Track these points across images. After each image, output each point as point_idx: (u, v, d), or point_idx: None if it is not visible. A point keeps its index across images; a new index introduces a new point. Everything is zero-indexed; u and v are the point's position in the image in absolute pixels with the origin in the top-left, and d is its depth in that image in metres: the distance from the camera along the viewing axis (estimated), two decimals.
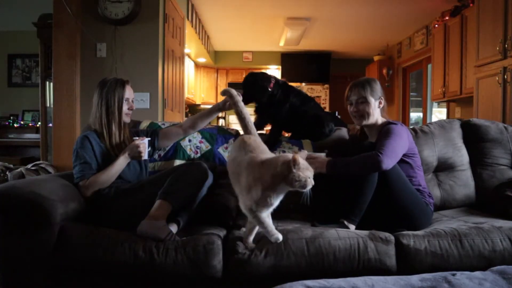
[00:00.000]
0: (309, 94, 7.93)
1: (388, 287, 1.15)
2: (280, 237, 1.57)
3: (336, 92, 7.93)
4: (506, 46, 3.19)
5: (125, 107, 2.02)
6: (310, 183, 1.43)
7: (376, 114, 2.03)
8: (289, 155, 1.43)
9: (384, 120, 2.06)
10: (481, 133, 2.32)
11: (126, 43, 3.46)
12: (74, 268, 1.63)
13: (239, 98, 1.90)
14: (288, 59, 7.97)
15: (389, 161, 1.75)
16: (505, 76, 3.19)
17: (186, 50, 5.66)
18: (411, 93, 7.00)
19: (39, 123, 4.82)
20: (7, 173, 3.11)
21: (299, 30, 6.14)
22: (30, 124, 5.69)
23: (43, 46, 4.18)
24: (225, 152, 2.28)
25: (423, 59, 6.16)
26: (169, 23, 3.76)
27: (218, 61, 8.13)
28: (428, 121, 5.75)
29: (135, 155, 1.92)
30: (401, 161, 1.89)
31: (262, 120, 2.34)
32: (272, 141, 2.22)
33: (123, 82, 2.03)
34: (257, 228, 1.63)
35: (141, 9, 3.42)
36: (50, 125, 3.90)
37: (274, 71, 8.19)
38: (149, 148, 2.04)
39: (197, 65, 7.73)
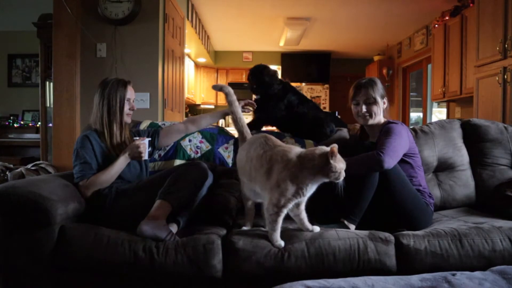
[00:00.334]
0: (309, 94, 8.01)
1: (388, 287, 1.15)
2: (283, 244, 1.60)
3: (336, 92, 7.94)
4: (506, 46, 3.19)
5: (126, 107, 2.02)
6: (343, 175, 1.50)
7: (381, 114, 2.03)
8: (326, 148, 1.50)
9: (385, 119, 2.06)
10: (481, 133, 2.32)
11: (126, 43, 3.46)
12: (74, 268, 1.64)
13: (235, 98, 1.89)
14: (288, 59, 7.98)
15: (390, 161, 1.75)
16: (505, 76, 3.19)
17: (186, 50, 5.67)
18: (411, 93, 7.00)
19: (39, 123, 4.82)
20: (7, 173, 3.11)
21: (299, 30, 6.14)
22: (30, 124, 5.69)
23: (43, 46, 4.19)
24: (225, 152, 2.28)
25: (423, 59, 6.16)
26: (169, 23, 3.76)
27: (218, 61, 8.13)
28: (428, 121, 5.75)
29: (135, 155, 1.92)
30: (402, 161, 1.89)
31: (260, 120, 2.34)
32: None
33: (125, 82, 2.03)
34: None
35: (141, 9, 3.42)
36: (50, 125, 3.91)
37: None
38: (150, 148, 2.04)
39: (197, 65, 7.73)
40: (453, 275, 1.24)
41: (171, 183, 1.76)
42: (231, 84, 8.44)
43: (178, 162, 2.20)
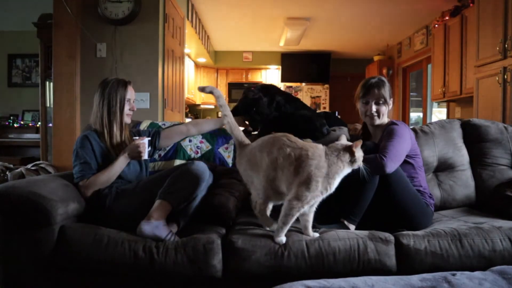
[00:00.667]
0: (309, 94, 8.00)
1: (388, 287, 1.15)
2: (284, 240, 1.62)
3: (336, 92, 7.94)
4: (506, 46, 3.19)
5: (126, 108, 2.02)
6: (360, 160, 1.60)
7: (387, 114, 2.03)
8: (346, 142, 1.61)
9: (388, 120, 2.06)
10: (481, 133, 2.32)
11: (126, 43, 3.46)
12: (74, 268, 1.64)
13: (223, 101, 1.85)
14: (288, 59, 7.98)
15: (392, 165, 1.76)
16: (505, 76, 3.19)
17: (186, 50, 5.67)
18: (411, 93, 7.00)
19: (39, 123, 4.82)
20: (7, 173, 3.11)
21: (299, 30, 6.14)
22: (30, 124, 5.69)
23: (43, 46, 4.19)
24: (225, 152, 2.28)
25: (423, 59, 6.16)
26: (169, 23, 3.76)
27: (218, 61, 8.13)
28: (428, 121, 5.74)
29: (135, 155, 1.92)
30: (403, 162, 1.89)
31: (256, 122, 2.33)
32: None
33: (125, 82, 2.03)
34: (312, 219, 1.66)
35: (141, 9, 3.42)
36: (50, 125, 3.90)
37: (274, 71, 8.20)
38: (149, 148, 2.05)
39: (197, 65, 7.73)
40: (453, 275, 1.24)
41: (171, 183, 1.76)
42: (231, 84, 8.50)
43: (178, 162, 2.20)
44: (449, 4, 4.75)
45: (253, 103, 2.24)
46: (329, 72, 8.01)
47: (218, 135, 2.33)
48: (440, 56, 4.91)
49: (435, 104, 5.99)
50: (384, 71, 7.15)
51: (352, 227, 1.79)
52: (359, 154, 1.59)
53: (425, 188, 1.98)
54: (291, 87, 8.03)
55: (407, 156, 1.92)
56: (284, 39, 6.70)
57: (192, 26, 5.08)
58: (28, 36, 5.12)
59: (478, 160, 2.31)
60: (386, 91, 1.98)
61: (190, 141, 2.27)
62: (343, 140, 1.63)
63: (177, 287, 1.64)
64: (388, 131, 1.92)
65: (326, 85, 8.06)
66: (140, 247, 1.61)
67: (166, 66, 3.71)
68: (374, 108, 1.98)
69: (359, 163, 1.59)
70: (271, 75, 8.19)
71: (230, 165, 2.26)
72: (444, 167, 2.28)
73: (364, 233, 1.68)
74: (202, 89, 1.84)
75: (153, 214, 1.70)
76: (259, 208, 1.72)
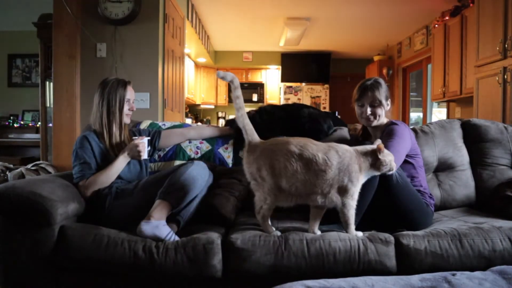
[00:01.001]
0: (309, 94, 7.99)
1: (388, 287, 1.15)
2: (360, 234, 1.67)
3: (336, 92, 7.94)
4: (506, 46, 3.19)
5: (126, 108, 2.02)
6: (394, 165, 1.64)
7: (384, 115, 2.03)
8: (372, 146, 1.66)
9: (387, 120, 2.06)
10: (481, 133, 2.32)
11: (126, 43, 3.46)
12: (74, 268, 1.64)
13: (240, 93, 1.73)
14: (288, 59, 7.97)
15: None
16: (505, 76, 3.19)
17: (186, 50, 5.67)
18: (411, 93, 7.00)
19: (39, 123, 4.82)
20: (7, 173, 3.11)
21: (299, 30, 6.13)
22: (30, 124, 5.69)
23: (43, 46, 4.18)
24: (225, 152, 2.28)
25: (423, 59, 6.16)
26: (169, 23, 3.76)
27: (218, 61, 8.13)
28: (428, 121, 5.75)
29: (135, 154, 1.92)
30: (404, 161, 1.89)
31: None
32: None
33: (125, 82, 2.03)
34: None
35: (141, 9, 3.42)
36: (50, 125, 3.90)
37: (274, 71, 8.20)
38: (149, 147, 2.05)
39: (197, 65, 7.73)
40: (453, 275, 1.24)
41: (171, 183, 1.76)
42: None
43: (178, 162, 2.20)
44: (449, 4, 4.75)
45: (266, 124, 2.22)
46: (329, 72, 8.01)
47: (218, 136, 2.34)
48: (440, 56, 4.91)
49: (435, 104, 5.99)
50: (384, 71, 7.15)
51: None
52: (388, 159, 1.62)
53: (425, 188, 1.98)
54: (291, 87, 8.03)
55: (407, 155, 1.92)
56: (284, 39, 6.70)
57: (192, 26, 5.08)
58: (28, 36, 5.12)
59: (478, 160, 2.31)
60: (381, 93, 1.97)
61: (190, 141, 2.28)
62: (371, 145, 1.68)
63: (177, 287, 1.64)
64: (388, 131, 1.92)
65: (326, 85, 8.06)
66: (140, 247, 1.61)
67: (166, 66, 3.71)
68: (369, 110, 1.98)
69: (389, 167, 1.63)
70: (271, 75, 8.19)
71: (230, 165, 2.26)
72: (444, 167, 2.28)
73: (364, 234, 1.68)
74: (222, 77, 1.72)
75: (153, 214, 1.70)
76: (263, 214, 1.67)
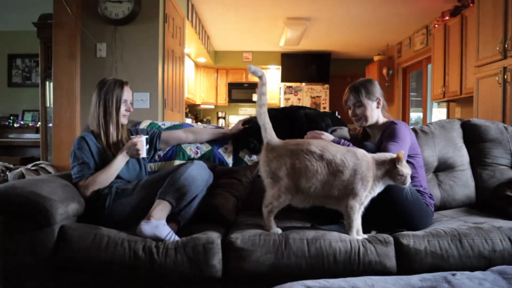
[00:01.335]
0: (309, 94, 7.99)
1: (388, 287, 1.15)
2: (356, 236, 1.65)
3: (336, 92, 7.92)
4: (506, 46, 3.19)
5: (122, 109, 2.02)
6: (409, 180, 1.63)
7: (376, 115, 2.03)
8: (391, 154, 1.66)
9: (385, 120, 2.06)
10: (481, 133, 2.32)
11: (126, 43, 3.46)
12: (74, 268, 1.64)
13: (265, 90, 1.78)
14: (288, 59, 7.97)
15: None
16: (505, 76, 3.19)
17: (186, 50, 5.67)
18: (411, 93, 7.00)
19: (39, 123, 4.82)
20: (7, 173, 3.11)
21: (299, 30, 6.14)
22: (30, 124, 5.69)
23: (43, 46, 4.19)
24: (225, 152, 2.28)
25: (423, 59, 6.16)
26: (169, 23, 3.76)
27: (218, 61, 8.13)
28: (428, 121, 5.75)
29: (133, 153, 1.92)
30: None
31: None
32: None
33: (122, 83, 2.02)
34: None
35: (141, 9, 3.42)
36: (50, 125, 3.91)
37: (274, 71, 8.20)
38: (147, 146, 2.04)
39: (197, 65, 7.73)
40: (453, 275, 1.24)
41: (171, 182, 1.76)
42: (231, 84, 8.48)
43: (178, 162, 2.20)
44: (449, 4, 4.75)
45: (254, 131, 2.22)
46: (329, 72, 8.01)
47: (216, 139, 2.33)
48: (440, 56, 4.91)
49: (435, 104, 5.99)
50: (384, 71, 7.16)
51: None
52: (405, 171, 1.61)
53: (425, 188, 1.98)
54: (291, 87, 8.03)
55: (408, 156, 1.92)
56: (284, 39, 6.70)
57: (192, 26, 5.08)
58: (28, 36, 5.12)
59: (478, 160, 2.31)
60: (362, 93, 2.00)
61: None
62: (391, 153, 1.69)
63: (177, 287, 1.64)
64: (388, 132, 1.92)
65: (326, 85, 8.06)
66: (140, 247, 1.61)
67: (166, 66, 3.71)
68: (352, 112, 2.05)
69: (404, 180, 1.61)
70: (271, 75, 8.19)
71: (230, 165, 2.26)
72: (444, 167, 2.28)
73: (364, 235, 1.68)
74: (253, 72, 1.71)
75: (153, 214, 1.70)
76: (271, 209, 1.67)
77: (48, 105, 4.30)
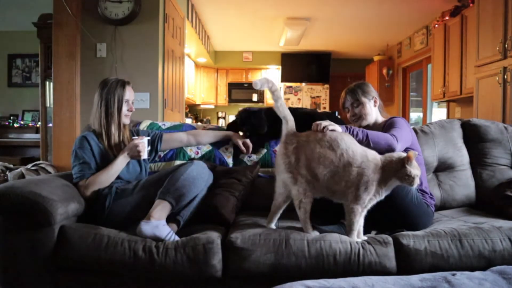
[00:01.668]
0: (309, 94, 8.00)
1: (388, 287, 1.15)
2: (356, 239, 1.64)
3: (336, 92, 7.92)
4: (506, 46, 3.19)
5: (124, 109, 2.01)
6: (417, 182, 1.59)
7: (374, 113, 2.09)
8: (403, 153, 1.62)
9: (384, 119, 2.10)
10: (481, 133, 2.32)
11: (126, 43, 3.46)
12: (74, 268, 1.64)
13: (276, 87, 1.77)
14: (288, 59, 7.97)
15: (400, 146, 1.82)
16: (505, 76, 3.19)
17: (186, 50, 5.67)
18: (411, 93, 6.99)
19: (39, 123, 4.82)
20: (7, 173, 3.11)
21: (299, 30, 6.13)
22: (30, 124, 5.69)
23: (43, 46, 4.19)
24: (225, 152, 2.28)
25: (423, 59, 6.16)
26: (169, 23, 3.76)
27: (218, 61, 8.13)
28: (428, 121, 5.75)
29: (134, 154, 1.92)
30: None
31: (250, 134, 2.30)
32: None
33: (124, 83, 2.02)
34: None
35: (141, 9, 3.42)
36: (50, 125, 3.91)
37: (274, 71, 8.20)
38: (149, 147, 2.04)
39: (197, 65, 7.73)
40: (453, 275, 1.24)
41: (171, 182, 1.76)
42: (231, 84, 8.47)
43: (178, 163, 2.20)
44: (449, 4, 4.75)
45: (251, 114, 2.22)
46: (329, 72, 8.01)
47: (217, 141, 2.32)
48: (440, 56, 4.91)
49: (435, 104, 5.99)
50: (384, 71, 7.15)
51: None
52: (414, 171, 1.56)
53: (426, 187, 1.98)
54: (291, 87, 8.03)
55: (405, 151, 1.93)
56: (284, 39, 6.70)
57: (192, 26, 5.08)
58: (28, 36, 5.12)
59: (478, 160, 2.31)
60: (358, 93, 2.07)
61: None
62: (402, 153, 1.65)
63: (177, 287, 1.64)
64: (389, 123, 1.98)
65: (326, 85, 8.06)
66: (140, 247, 1.61)
67: (166, 66, 3.71)
68: (351, 112, 2.09)
69: (412, 180, 1.57)
70: (271, 75, 8.19)
71: (230, 165, 2.26)
72: (444, 167, 2.28)
73: (364, 237, 1.69)
74: (260, 87, 1.70)
75: (153, 214, 1.70)
76: (305, 208, 1.66)
77: (48, 105, 4.30)
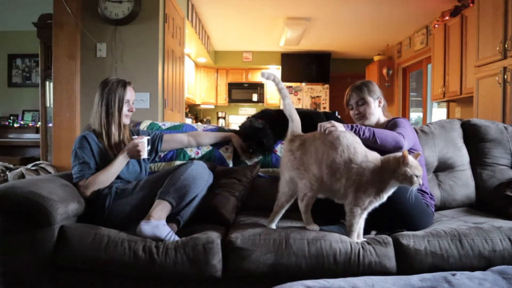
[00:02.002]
0: (309, 94, 8.00)
1: (388, 287, 1.15)
2: (356, 239, 1.64)
3: (336, 92, 7.93)
4: (506, 46, 3.19)
5: (125, 109, 2.01)
6: (417, 181, 1.55)
7: (378, 113, 2.09)
8: (398, 153, 1.60)
9: (386, 119, 2.10)
10: (481, 133, 2.32)
11: (126, 43, 3.46)
12: (74, 268, 1.64)
13: (283, 85, 1.82)
14: (288, 59, 7.97)
15: (406, 144, 1.81)
16: (505, 76, 3.19)
17: (186, 50, 5.67)
18: (411, 93, 7.00)
19: (39, 123, 4.82)
20: (7, 173, 3.11)
21: (299, 30, 6.13)
22: (30, 124, 5.69)
23: (43, 46, 4.19)
24: (225, 152, 2.27)
25: (423, 59, 6.16)
26: (169, 23, 3.76)
27: (218, 61, 8.13)
28: (428, 121, 5.75)
29: (134, 154, 1.92)
30: None
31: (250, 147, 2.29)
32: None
33: (125, 83, 2.02)
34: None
35: (141, 9, 3.42)
36: (50, 125, 3.91)
37: (274, 71, 8.20)
38: (149, 147, 2.04)
39: (197, 65, 7.72)
40: (453, 275, 1.24)
41: (171, 182, 1.76)
42: (231, 84, 8.47)
43: (178, 163, 2.20)
44: (449, 4, 4.75)
45: (258, 131, 2.19)
46: (329, 72, 8.01)
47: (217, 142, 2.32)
48: (440, 56, 4.91)
49: (435, 104, 5.99)
50: (384, 71, 7.16)
51: None
52: (411, 171, 1.53)
53: (426, 187, 1.99)
54: (291, 87, 8.03)
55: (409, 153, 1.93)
56: (284, 39, 6.70)
57: (192, 26, 5.08)
58: (28, 36, 5.12)
59: (478, 160, 2.31)
60: (364, 91, 2.06)
61: None
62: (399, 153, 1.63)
63: (177, 287, 1.64)
64: (392, 123, 1.98)
65: (326, 85, 8.06)
66: (140, 247, 1.61)
67: (166, 66, 3.71)
68: (356, 110, 2.08)
69: (410, 180, 1.54)
70: (268, 80, 8.18)
71: (230, 165, 2.26)
72: (444, 167, 2.28)
73: (363, 239, 1.69)
74: (267, 77, 1.80)
75: (153, 214, 1.70)
76: (307, 202, 1.67)
77: (48, 105, 4.30)
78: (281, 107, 1.90)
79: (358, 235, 1.67)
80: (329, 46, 7.57)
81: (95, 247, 1.61)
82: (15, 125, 5.65)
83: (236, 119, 8.34)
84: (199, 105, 8.08)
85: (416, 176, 1.55)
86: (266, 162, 2.27)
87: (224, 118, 8.36)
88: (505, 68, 3.19)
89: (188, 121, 6.88)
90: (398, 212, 1.80)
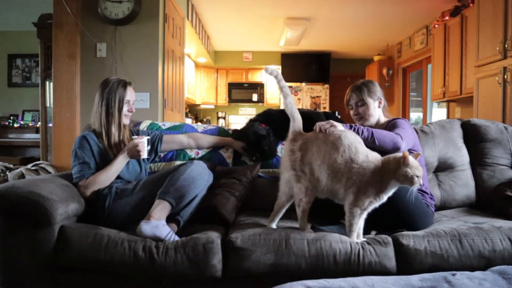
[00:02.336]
0: (309, 94, 8.00)
1: (388, 287, 1.15)
2: (356, 240, 1.63)
3: (336, 92, 7.93)
4: (506, 46, 3.19)
5: (125, 109, 2.01)
6: (418, 181, 1.54)
7: (377, 114, 2.07)
8: (399, 154, 1.60)
9: (386, 119, 2.10)
10: (481, 133, 2.32)
11: (126, 43, 3.46)
12: (74, 268, 1.64)
13: (284, 84, 1.82)
14: (288, 59, 7.97)
15: (405, 145, 1.81)
16: (505, 76, 3.19)
17: (186, 50, 5.67)
18: (411, 93, 6.99)
19: (39, 123, 4.82)
20: (7, 173, 3.11)
21: (299, 30, 6.13)
22: (30, 124, 5.69)
23: (43, 46, 4.19)
24: (225, 152, 2.27)
25: (423, 59, 6.16)
26: (169, 23, 3.76)
27: (218, 61, 8.13)
28: (428, 121, 5.75)
29: (134, 154, 1.92)
30: None
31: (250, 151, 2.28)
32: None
33: (125, 83, 2.02)
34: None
35: (141, 9, 3.42)
36: (50, 125, 3.91)
37: None
38: (149, 147, 2.04)
39: (197, 65, 7.72)
40: (453, 275, 1.24)
41: (171, 182, 1.76)
42: (231, 84, 8.47)
43: (178, 163, 2.20)
44: (449, 4, 4.75)
45: (261, 139, 2.18)
46: (329, 72, 8.01)
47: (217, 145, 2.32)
48: (440, 56, 4.91)
49: (435, 104, 5.99)
50: (384, 71, 7.15)
51: None
52: (411, 171, 1.53)
53: (426, 188, 1.99)
54: (291, 87, 8.03)
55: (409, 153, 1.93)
56: (284, 39, 6.70)
57: (192, 26, 5.08)
58: (28, 36, 5.12)
59: (478, 160, 2.31)
60: (364, 92, 2.05)
61: None
62: (399, 153, 1.63)
63: (177, 287, 1.64)
64: (392, 123, 1.98)
65: (326, 85, 8.06)
66: (140, 247, 1.61)
67: (166, 66, 3.71)
68: (355, 111, 2.08)
69: (410, 180, 1.53)
70: (271, 75, 8.19)
71: (230, 165, 2.26)
72: (444, 167, 2.28)
73: (363, 239, 1.68)
74: (270, 73, 1.82)
75: (153, 214, 1.70)
76: (304, 207, 1.66)
77: (48, 105, 4.30)
78: (282, 107, 1.90)
79: (357, 235, 1.67)
80: (329, 46, 7.57)
81: (95, 247, 1.61)
82: (15, 125, 5.65)
83: (236, 119, 8.34)
84: (199, 105, 8.08)
85: (417, 177, 1.55)
86: (266, 162, 2.27)
87: (224, 118, 8.36)
88: (505, 68, 3.19)
89: (188, 121, 6.88)
90: (398, 212, 1.81)
